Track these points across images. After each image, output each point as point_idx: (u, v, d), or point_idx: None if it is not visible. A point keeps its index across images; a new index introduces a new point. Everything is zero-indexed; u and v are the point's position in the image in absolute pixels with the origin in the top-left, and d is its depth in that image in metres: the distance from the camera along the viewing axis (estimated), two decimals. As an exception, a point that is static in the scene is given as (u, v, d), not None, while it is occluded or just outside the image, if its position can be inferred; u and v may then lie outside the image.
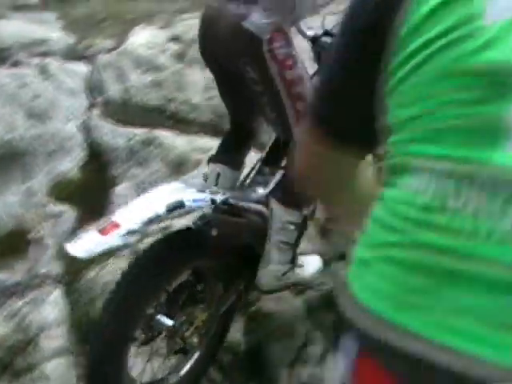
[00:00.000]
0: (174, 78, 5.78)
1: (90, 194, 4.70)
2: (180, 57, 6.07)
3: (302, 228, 3.03)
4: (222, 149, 3.22)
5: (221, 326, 3.11)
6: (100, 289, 3.78)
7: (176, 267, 2.71)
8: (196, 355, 3.06)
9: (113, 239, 2.36)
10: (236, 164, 3.14)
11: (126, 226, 2.38)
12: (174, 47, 6.27)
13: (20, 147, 4.86)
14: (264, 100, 2.71)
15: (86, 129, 5.26)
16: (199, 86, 5.66)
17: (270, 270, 2.97)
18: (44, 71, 5.77)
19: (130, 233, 2.37)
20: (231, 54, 2.67)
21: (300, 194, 2.67)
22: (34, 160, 4.83)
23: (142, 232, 2.45)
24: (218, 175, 3.07)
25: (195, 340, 2.95)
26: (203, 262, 2.85)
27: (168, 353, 2.95)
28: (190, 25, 6.77)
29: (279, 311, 3.61)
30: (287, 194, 2.88)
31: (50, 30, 7.04)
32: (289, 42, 2.64)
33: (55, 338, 3.59)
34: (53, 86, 5.59)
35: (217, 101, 5.48)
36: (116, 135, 5.09)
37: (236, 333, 3.60)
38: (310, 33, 3.16)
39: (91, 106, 5.64)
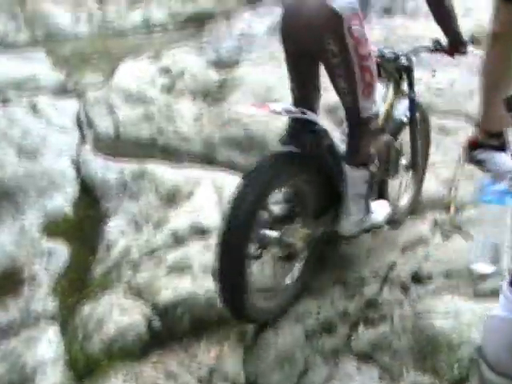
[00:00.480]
0: (164, 110, 5.78)
1: (83, 230, 4.67)
2: (169, 89, 6.09)
3: (371, 182, 3.65)
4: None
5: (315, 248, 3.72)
6: (95, 324, 3.74)
7: (282, 179, 3.33)
8: (302, 262, 3.65)
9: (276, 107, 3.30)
10: None
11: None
12: (163, 79, 6.27)
13: (12, 185, 4.85)
14: (338, 71, 3.24)
15: (78, 164, 5.24)
16: (189, 117, 5.66)
17: (349, 219, 3.63)
18: (34, 108, 5.77)
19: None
20: (315, 29, 3.15)
21: (366, 155, 3.51)
22: (26, 197, 4.81)
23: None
24: None
25: (299, 247, 3.56)
26: (301, 180, 3.45)
27: (278, 260, 3.59)
28: (178, 56, 6.81)
29: (278, 339, 3.58)
30: (356, 157, 3.50)
31: (39, 67, 7.06)
32: (362, 24, 3.17)
33: (52, 377, 3.54)
34: (43, 123, 5.59)
35: (207, 131, 5.55)
36: (108, 169, 5.07)
37: (235, 363, 3.57)
38: None
39: (82, 141, 5.61)
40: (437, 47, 3.83)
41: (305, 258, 3.68)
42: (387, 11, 8.68)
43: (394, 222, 4.21)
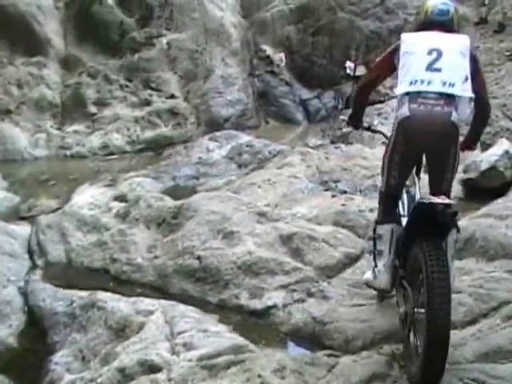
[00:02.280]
0: (118, 238, 5.73)
1: (27, 363, 4.50)
2: (124, 216, 6.05)
3: None
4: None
5: None
6: None
7: None
8: None
9: None
10: None
11: None
12: (118, 206, 6.25)
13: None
14: (450, 167, 4.11)
15: (26, 293, 5.10)
16: (143, 245, 5.61)
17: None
18: (-16, 234, 5.68)
19: None
20: (443, 136, 4.03)
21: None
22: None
23: None
24: None
25: None
26: None
27: None
28: (134, 183, 6.83)
29: None
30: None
31: (-6, 190, 7.04)
32: None
33: None
34: (-7, 250, 5.48)
35: (160, 261, 5.47)
36: (57, 299, 4.93)
37: None
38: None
39: (32, 268, 5.52)
40: None
41: None
42: (345, 138, 8.91)
43: None
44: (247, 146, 8.28)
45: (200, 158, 8.09)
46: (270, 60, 11.12)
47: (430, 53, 4.04)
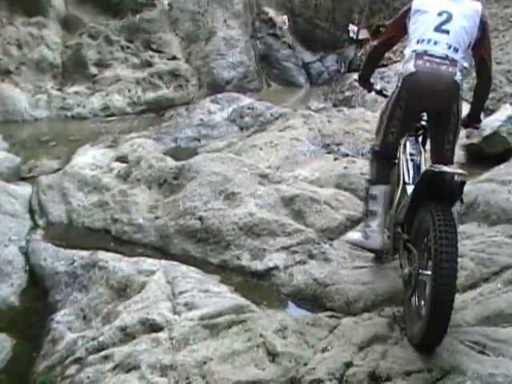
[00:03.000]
0: (119, 198, 5.72)
1: (29, 322, 4.52)
2: (125, 176, 6.03)
3: None
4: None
5: None
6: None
7: None
8: None
9: None
10: None
11: None
12: (119, 167, 6.24)
13: (-44, 273, 4.70)
14: (452, 127, 4.12)
15: (27, 252, 5.12)
16: (144, 205, 5.61)
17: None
18: (-15, 193, 5.66)
19: None
20: (446, 95, 4.04)
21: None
22: (-31, 286, 4.66)
23: None
24: None
25: None
26: None
27: None
28: (135, 144, 6.79)
29: None
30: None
31: (-5, 150, 7.01)
32: None
33: None
34: (-7, 209, 5.47)
35: (162, 222, 5.47)
36: (58, 259, 4.94)
37: None
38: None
39: (33, 228, 5.53)
40: None
41: None
42: (347, 102, 8.85)
43: None
44: (249, 108, 8.23)
45: (201, 119, 8.05)
46: (272, 22, 10.99)
47: (440, 14, 4.06)
